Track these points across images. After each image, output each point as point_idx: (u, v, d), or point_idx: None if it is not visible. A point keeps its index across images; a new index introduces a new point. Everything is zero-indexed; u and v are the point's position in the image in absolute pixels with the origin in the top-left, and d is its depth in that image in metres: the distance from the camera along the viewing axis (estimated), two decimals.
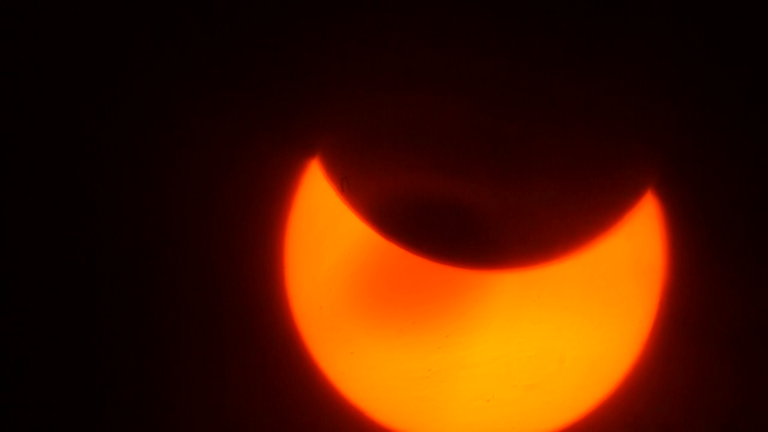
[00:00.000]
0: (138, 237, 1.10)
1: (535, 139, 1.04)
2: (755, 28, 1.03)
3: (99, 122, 1.09)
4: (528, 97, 1.04)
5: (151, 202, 1.10)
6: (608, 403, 1.09)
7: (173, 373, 1.11)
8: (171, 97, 1.08)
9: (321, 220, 1.11)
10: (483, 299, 1.10)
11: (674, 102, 1.05)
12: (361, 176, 1.08)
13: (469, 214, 1.05)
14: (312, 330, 1.12)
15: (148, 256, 1.10)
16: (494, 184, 1.05)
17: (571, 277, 1.08)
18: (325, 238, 1.12)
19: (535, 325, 1.10)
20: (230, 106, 1.08)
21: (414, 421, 1.11)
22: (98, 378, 1.11)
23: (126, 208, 1.10)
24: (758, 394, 1.07)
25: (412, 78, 1.05)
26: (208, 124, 1.08)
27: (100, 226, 1.10)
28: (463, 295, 1.10)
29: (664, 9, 1.03)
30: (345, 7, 1.05)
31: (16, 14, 1.08)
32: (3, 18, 1.08)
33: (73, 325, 1.11)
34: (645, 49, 1.04)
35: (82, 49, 1.08)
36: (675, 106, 1.05)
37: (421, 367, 1.10)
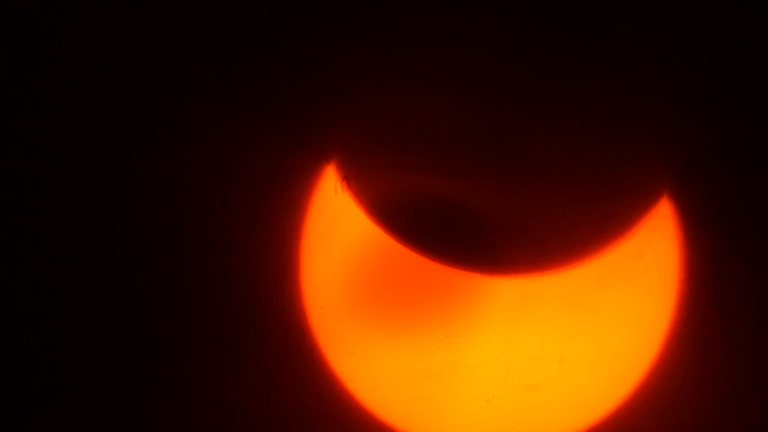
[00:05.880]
0: (151, 239, 1.11)
1: (542, 142, 1.04)
2: None
3: (114, 128, 1.10)
4: (535, 99, 1.04)
5: (166, 205, 1.10)
6: (617, 410, 1.08)
7: (181, 370, 1.11)
8: (185, 106, 1.09)
9: (325, 221, 1.12)
10: (483, 300, 1.10)
11: (690, 104, 1.04)
12: (367, 177, 1.08)
13: (474, 217, 1.05)
14: (313, 329, 1.12)
15: (160, 259, 1.11)
16: (500, 187, 1.05)
17: (579, 282, 1.08)
18: (326, 239, 1.12)
19: (536, 326, 1.10)
20: (240, 112, 1.08)
21: (414, 420, 1.11)
22: (110, 375, 1.12)
23: (141, 211, 1.10)
24: None
25: (418, 81, 1.05)
26: (220, 130, 1.09)
27: (115, 230, 1.11)
28: (463, 295, 1.10)
29: (677, 9, 1.02)
30: (348, 14, 1.05)
31: (33, 23, 1.08)
32: (6, 19, 1.08)
33: (85, 324, 1.11)
34: (658, 50, 1.03)
35: (95, 56, 1.08)
36: (690, 108, 1.04)
37: (421, 367, 1.11)
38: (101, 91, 1.09)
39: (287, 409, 1.11)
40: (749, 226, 1.06)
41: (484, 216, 1.05)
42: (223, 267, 1.10)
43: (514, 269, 1.08)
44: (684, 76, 1.04)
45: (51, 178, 1.10)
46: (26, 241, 1.11)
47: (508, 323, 1.10)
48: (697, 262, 1.07)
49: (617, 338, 1.09)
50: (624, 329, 1.09)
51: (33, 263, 1.11)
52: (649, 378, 1.08)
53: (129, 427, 1.12)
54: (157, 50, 1.08)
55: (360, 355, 1.11)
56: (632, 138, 1.05)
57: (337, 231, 1.11)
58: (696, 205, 1.07)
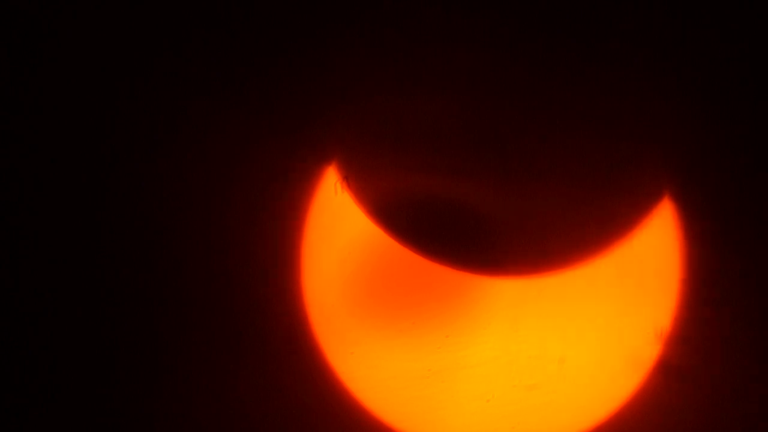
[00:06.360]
0: (151, 239, 1.11)
1: (542, 142, 1.04)
2: None
3: (114, 128, 1.10)
4: (535, 99, 1.03)
5: (166, 205, 1.10)
6: (617, 410, 1.08)
7: (181, 370, 1.11)
8: (185, 106, 1.09)
9: (325, 221, 1.12)
10: (483, 300, 1.10)
11: (690, 104, 1.04)
12: (367, 177, 1.08)
13: (474, 217, 1.05)
14: (313, 329, 1.12)
15: (160, 259, 1.11)
16: (500, 187, 1.05)
17: (579, 282, 1.08)
18: (326, 239, 1.12)
19: (536, 326, 1.10)
20: (240, 112, 1.08)
21: (414, 420, 1.11)
22: (110, 375, 1.12)
23: (141, 211, 1.10)
24: None
25: (418, 81, 1.05)
26: (220, 130, 1.09)
27: (115, 230, 1.11)
28: (463, 295, 1.10)
29: (677, 9, 1.02)
30: (348, 14, 1.05)
31: (43, 32, 1.08)
32: (6, 19, 1.08)
33: (85, 324, 1.11)
34: (658, 50, 1.03)
35: (95, 56, 1.08)
36: (690, 108, 1.04)
37: (421, 367, 1.10)
38: (101, 91, 1.09)
39: (287, 409, 1.11)
40: (749, 226, 1.06)
41: (484, 216, 1.05)
42: (223, 267, 1.10)
43: (514, 269, 1.07)
44: (684, 76, 1.04)
45: (51, 178, 1.10)
46: (26, 241, 1.11)
47: (508, 323, 1.10)
48: (697, 261, 1.07)
49: (617, 338, 1.09)
50: (624, 329, 1.09)
51: (33, 263, 1.11)
52: (649, 378, 1.08)
53: (129, 427, 1.12)
54: (157, 50, 1.08)
55: (360, 355, 1.11)
56: (632, 138, 1.05)
57: (337, 231, 1.11)
58: (696, 205, 1.06)
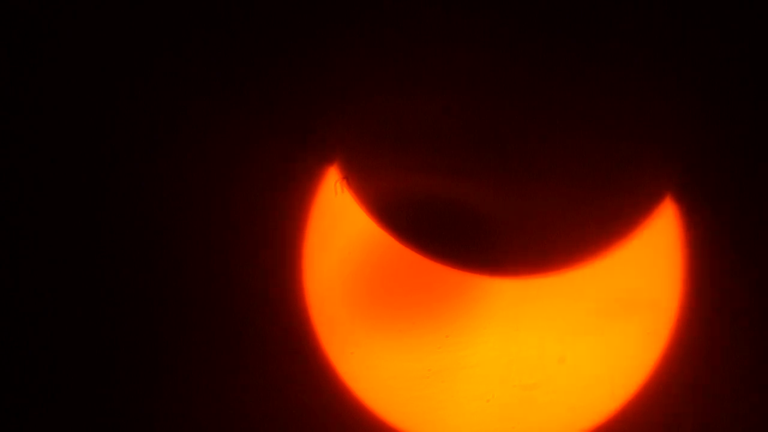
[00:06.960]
0: (151, 239, 1.11)
1: (542, 142, 1.04)
2: None
3: (114, 128, 1.10)
4: (535, 99, 1.03)
5: (166, 205, 1.10)
6: (617, 411, 1.08)
7: (181, 370, 1.11)
8: (185, 106, 1.09)
9: (326, 221, 1.12)
10: (483, 300, 1.10)
11: (690, 104, 1.04)
12: (367, 177, 1.08)
13: (474, 217, 1.05)
14: (314, 329, 1.12)
15: (160, 259, 1.11)
16: (500, 187, 1.05)
17: (579, 282, 1.08)
18: (327, 239, 1.12)
19: (536, 326, 1.10)
20: (240, 112, 1.09)
21: (414, 420, 1.11)
22: (110, 375, 1.12)
23: (141, 211, 1.10)
24: None
25: (418, 81, 1.05)
26: (220, 130, 1.09)
27: (115, 230, 1.11)
28: (463, 295, 1.10)
29: (677, 9, 1.02)
30: (348, 14, 1.05)
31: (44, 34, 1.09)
32: (6, 19, 1.08)
33: (85, 324, 1.11)
34: (658, 50, 1.03)
35: (95, 56, 1.09)
36: (690, 108, 1.04)
37: (421, 367, 1.11)
38: (101, 91, 1.09)
39: (288, 409, 1.11)
40: (749, 226, 1.06)
41: (484, 216, 1.05)
42: (223, 267, 1.10)
43: (514, 269, 1.08)
44: (684, 76, 1.04)
45: (51, 178, 1.10)
46: (26, 241, 1.11)
47: (508, 323, 1.10)
48: (697, 262, 1.07)
49: (618, 338, 1.09)
50: (624, 329, 1.09)
51: (33, 263, 1.11)
52: (650, 378, 1.08)
53: (129, 427, 1.12)
54: (157, 50, 1.08)
55: (360, 355, 1.11)
56: (632, 138, 1.05)
57: (337, 231, 1.11)
58: (697, 205, 1.07)
